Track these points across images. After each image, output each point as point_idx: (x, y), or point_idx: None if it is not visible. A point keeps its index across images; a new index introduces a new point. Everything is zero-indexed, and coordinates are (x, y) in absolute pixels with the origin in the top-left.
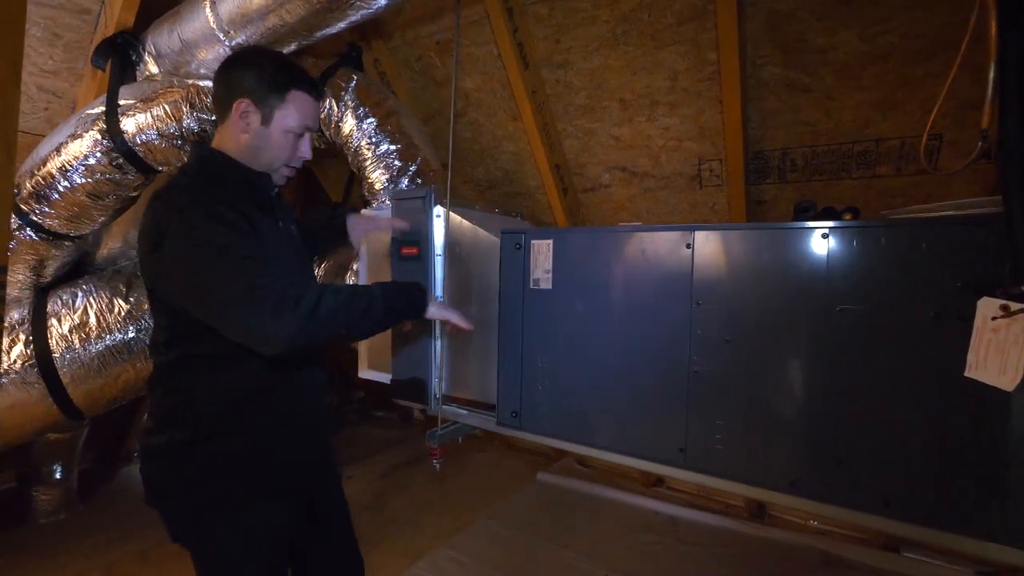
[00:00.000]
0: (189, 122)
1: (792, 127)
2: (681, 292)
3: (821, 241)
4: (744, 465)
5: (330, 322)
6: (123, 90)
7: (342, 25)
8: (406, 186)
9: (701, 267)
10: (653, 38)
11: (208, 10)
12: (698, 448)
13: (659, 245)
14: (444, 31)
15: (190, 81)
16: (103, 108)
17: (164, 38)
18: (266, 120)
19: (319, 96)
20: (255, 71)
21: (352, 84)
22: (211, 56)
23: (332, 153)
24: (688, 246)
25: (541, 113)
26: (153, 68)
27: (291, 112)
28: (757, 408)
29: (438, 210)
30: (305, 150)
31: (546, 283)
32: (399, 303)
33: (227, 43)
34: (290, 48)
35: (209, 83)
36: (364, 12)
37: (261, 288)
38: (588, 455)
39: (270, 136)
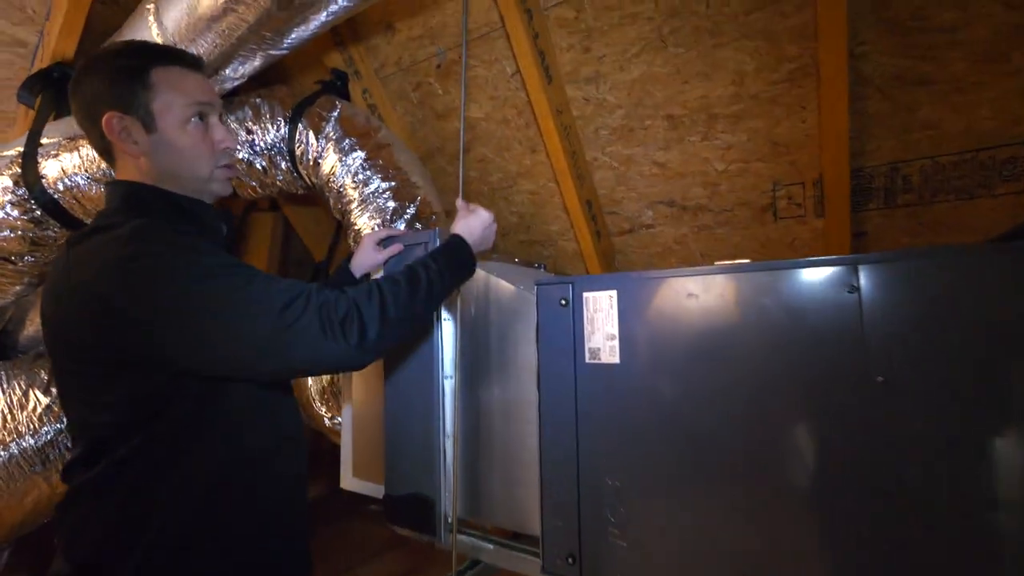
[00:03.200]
0: None
1: (905, 133)
2: (847, 363)
3: None
4: None
5: (407, 303)
6: (50, 127)
7: (311, 26)
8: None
9: (878, 321)
10: (712, 34)
11: (153, 24)
12: None
13: (797, 291)
14: (446, 51)
15: None
16: (20, 149)
17: None
18: (149, 124)
19: (195, 65)
20: (101, 74)
21: (335, 113)
22: None
23: (311, 200)
24: (852, 289)
25: (568, 139)
26: None
27: (169, 96)
28: None
29: None
30: (220, 136)
31: (610, 354)
32: (454, 261)
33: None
34: (255, 63)
35: None
36: (331, 9)
37: (301, 292)
38: None
39: (168, 141)
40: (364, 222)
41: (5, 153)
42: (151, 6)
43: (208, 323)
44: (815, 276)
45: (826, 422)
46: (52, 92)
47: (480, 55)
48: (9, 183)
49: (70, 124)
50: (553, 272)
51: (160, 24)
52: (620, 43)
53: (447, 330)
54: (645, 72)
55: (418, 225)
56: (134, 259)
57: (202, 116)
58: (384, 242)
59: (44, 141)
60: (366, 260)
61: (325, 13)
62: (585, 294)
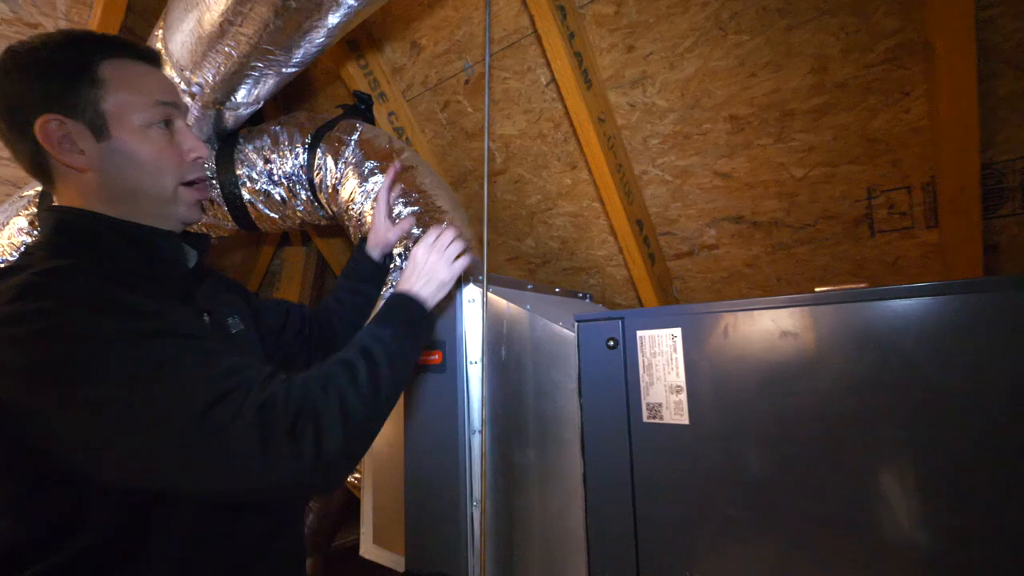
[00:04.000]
0: None
1: None
2: None
3: None
4: None
5: (371, 395)
6: None
7: (316, 39)
8: None
9: None
10: (783, 14)
11: (162, 52)
12: None
13: (959, 326)
14: (474, 64)
15: None
16: (39, 188)
17: None
18: (100, 129)
19: (152, 59)
20: (30, 70)
21: (355, 136)
22: None
23: (343, 231)
24: None
25: (613, 151)
26: None
27: (124, 95)
28: None
29: (471, 292)
30: (190, 144)
31: (676, 412)
32: (406, 325)
33: (188, 87)
34: (268, 84)
35: None
36: (331, 23)
37: (238, 385)
38: None
39: (125, 151)
40: None
41: (25, 193)
42: (159, 32)
43: (105, 420)
44: (991, 305)
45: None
46: None
47: (511, 66)
48: (24, 224)
49: None
50: (601, 303)
51: (167, 51)
52: (669, 37)
53: (474, 376)
54: (701, 68)
55: None
56: (18, 321)
57: (167, 121)
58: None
59: None
60: (380, 235)
61: (325, 24)
62: (640, 333)
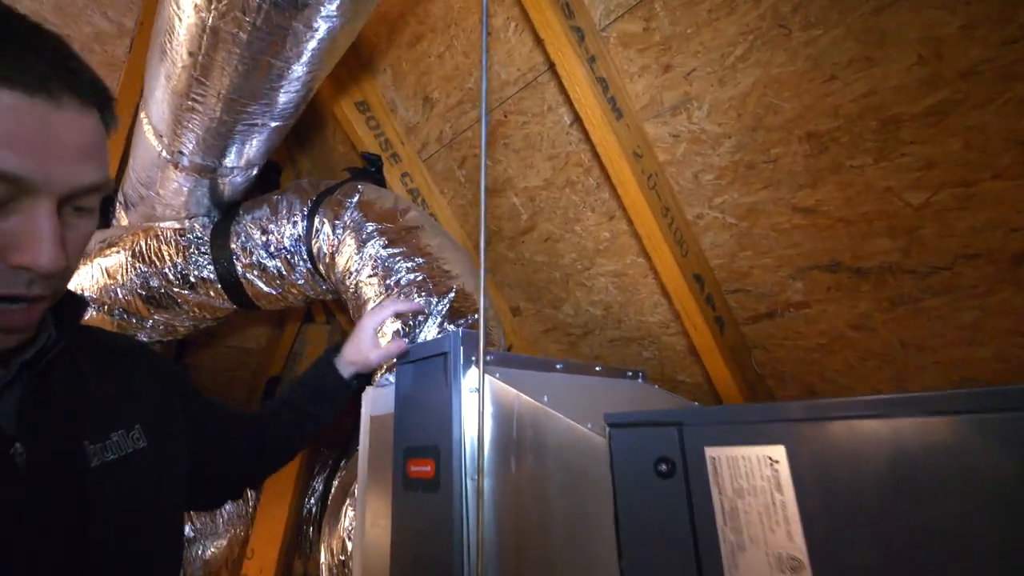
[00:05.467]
0: (136, 283)
1: None
2: None
3: None
4: None
5: None
6: None
7: (292, 86)
8: (423, 339)
9: None
10: None
11: (149, 131)
12: None
13: None
14: (490, 112)
15: (151, 226)
16: None
17: (130, 181)
18: None
19: (27, 81)
20: None
21: (355, 198)
22: (170, 188)
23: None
24: None
25: (656, 192)
26: (124, 221)
27: None
28: None
29: (471, 379)
30: (37, 235)
31: None
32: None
33: (171, 156)
34: (258, 142)
35: (172, 224)
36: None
37: None
38: None
39: None
40: (385, 327)
41: None
42: (143, 115)
43: None
44: None
45: None
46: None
47: (529, 108)
48: None
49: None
50: (659, 383)
51: (152, 127)
52: (715, 47)
53: (470, 504)
54: (761, 79)
55: (449, 327)
56: None
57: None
58: (410, 353)
59: None
60: (361, 353)
61: (291, 71)
62: (712, 452)
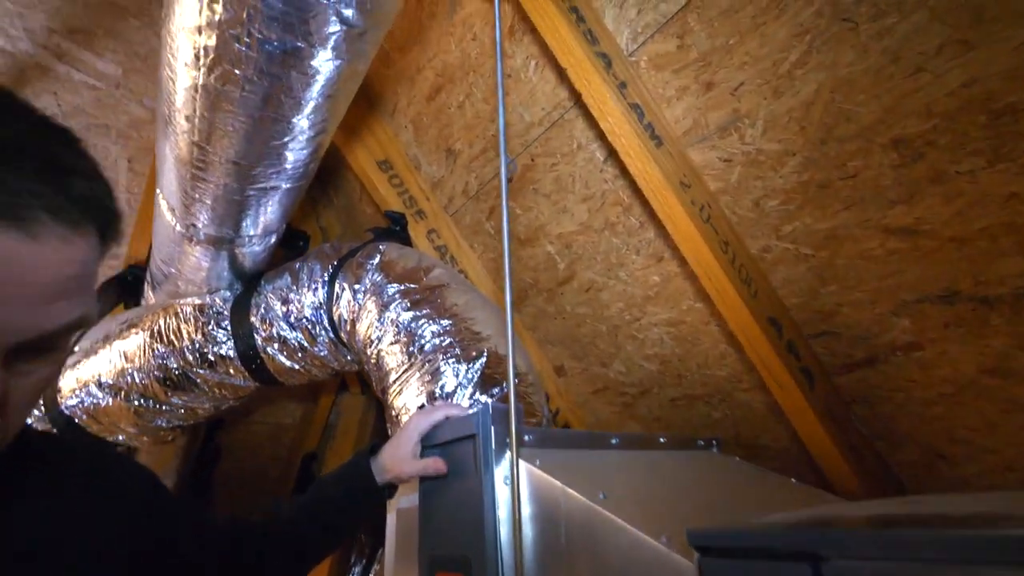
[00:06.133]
0: (153, 365)
1: None
2: None
3: None
4: None
5: None
6: (95, 329)
7: (300, 142)
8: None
9: None
10: None
11: (166, 209)
12: None
13: None
14: (515, 158)
15: (172, 303)
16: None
17: (154, 260)
18: None
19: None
20: None
21: (376, 259)
22: (189, 264)
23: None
24: None
25: (711, 225)
26: (152, 300)
27: None
28: None
29: (506, 467)
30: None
31: None
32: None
33: (186, 231)
34: (272, 205)
35: (192, 301)
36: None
37: None
38: None
39: None
40: (408, 398)
41: None
42: (159, 191)
43: None
44: None
45: None
46: (128, 296)
47: (557, 148)
48: None
49: (114, 322)
50: (737, 451)
51: (166, 201)
52: (765, 55)
53: None
54: (825, 83)
55: (483, 398)
56: None
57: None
58: (431, 435)
59: (83, 344)
60: (397, 460)
61: (293, 128)
62: None
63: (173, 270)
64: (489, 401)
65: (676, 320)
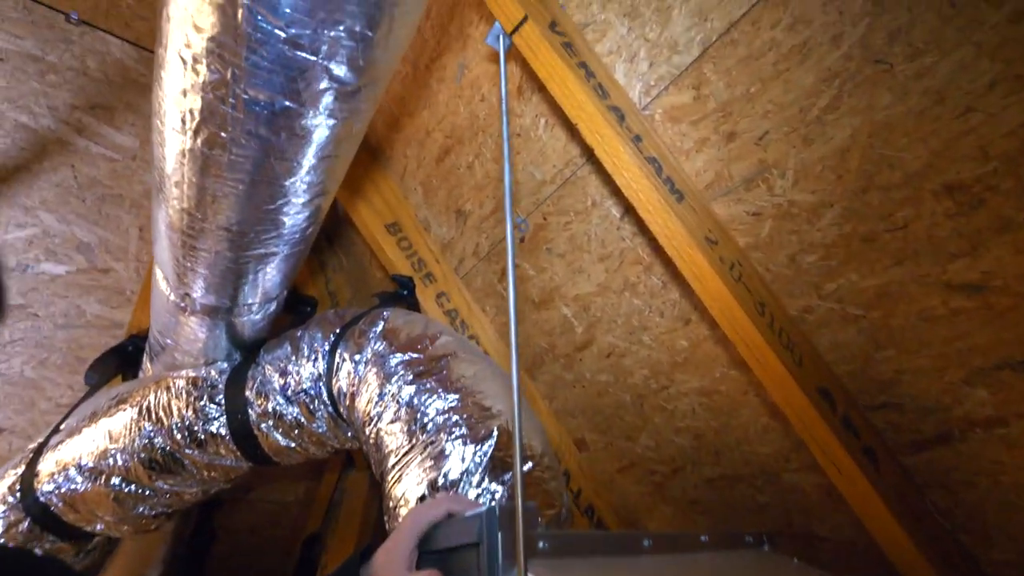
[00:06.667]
0: (138, 445)
1: None
2: None
3: None
4: None
5: None
6: (86, 404)
7: (299, 219)
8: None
9: None
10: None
11: (157, 269)
12: None
13: None
14: (526, 217)
15: (165, 376)
16: (40, 440)
17: (152, 331)
18: None
19: None
20: None
21: (378, 327)
22: (184, 335)
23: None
24: None
25: (744, 284)
26: (150, 371)
27: None
28: None
29: None
30: None
31: None
32: None
33: (181, 302)
34: (274, 267)
35: (187, 373)
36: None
37: None
38: None
39: None
40: (410, 484)
41: (31, 446)
42: (155, 261)
43: None
44: None
45: None
46: (128, 367)
47: (571, 207)
48: (12, 481)
49: (104, 396)
50: (794, 550)
51: (160, 270)
52: (789, 102)
53: None
54: (861, 127)
55: (494, 487)
56: None
57: None
58: (431, 537)
59: (69, 422)
60: (391, 573)
61: (286, 190)
62: None
63: (170, 341)
64: (499, 493)
65: (709, 389)
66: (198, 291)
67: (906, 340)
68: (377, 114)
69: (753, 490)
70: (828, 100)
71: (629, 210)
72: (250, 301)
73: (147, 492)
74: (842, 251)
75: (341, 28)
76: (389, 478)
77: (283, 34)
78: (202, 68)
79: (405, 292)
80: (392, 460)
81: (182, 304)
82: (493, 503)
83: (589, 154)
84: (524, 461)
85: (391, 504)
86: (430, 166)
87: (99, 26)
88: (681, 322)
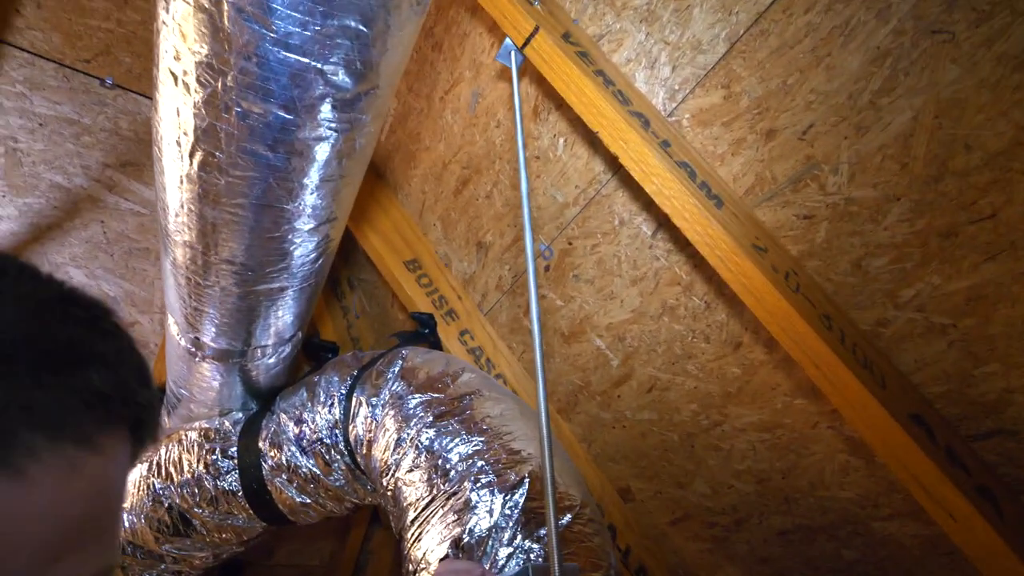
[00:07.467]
0: (147, 505)
1: None
2: None
3: None
4: None
5: None
6: None
7: (311, 247)
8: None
9: None
10: None
11: (169, 317)
12: None
13: None
14: (550, 244)
15: (179, 429)
16: None
17: (168, 382)
18: None
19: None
20: None
21: (396, 367)
22: (199, 383)
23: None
24: None
25: (804, 295)
26: (168, 425)
27: None
28: None
29: None
30: None
31: None
32: None
33: (193, 348)
34: (283, 314)
35: (200, 425)
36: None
37: None
38: None
39: None
40: (432, 539)
41: None
42: (168, 315)
43: None
44: None
45: None
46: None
47: (597, 228)
48: None
49: None
50: None
51: (172, 317)
52: (835, 89)
53: None
54: (924, 107)
55: (526, 544)
56: None
57: None
58: None
59: None
60: None
61: (295, 226)
62: None
63: (184, 391)
64: (534, 552)
65: (770, 423)
66: (208, 334)
67: (1012, 351)
68: (394, 151)
69: (836, 544)
70: (880, 82)
71: (662, 224)
72: (263, 343)
73: (153, 558)
74: (917, 251)
75: (334, 24)
76: (408, 536)
77: (272, 34)
78: (192, 81)
79: (426, 331)
80: (411, 514)
81: (193, 349)
82: (527, 563)
83: (614, 167)
84: (562, 513)
85: (411, 568)
86: (448, 199)
87: (132, 88)
88: (731, 346)
